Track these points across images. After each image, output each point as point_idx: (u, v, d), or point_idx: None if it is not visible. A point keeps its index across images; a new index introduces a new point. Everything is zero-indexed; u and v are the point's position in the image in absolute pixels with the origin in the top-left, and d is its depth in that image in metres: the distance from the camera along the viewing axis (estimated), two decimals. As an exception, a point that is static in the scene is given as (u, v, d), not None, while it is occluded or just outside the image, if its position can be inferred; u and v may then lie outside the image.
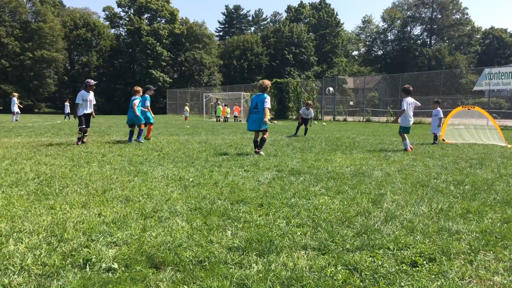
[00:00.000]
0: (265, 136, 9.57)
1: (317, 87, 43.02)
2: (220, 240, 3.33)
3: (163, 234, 3.44)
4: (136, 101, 12.00)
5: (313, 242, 3.29)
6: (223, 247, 3.18)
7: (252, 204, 4.54)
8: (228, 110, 36.11)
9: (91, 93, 11.24)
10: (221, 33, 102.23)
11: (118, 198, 4.70)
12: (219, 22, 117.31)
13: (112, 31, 77.87)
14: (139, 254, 2.98)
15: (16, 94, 28.71)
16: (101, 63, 71.38)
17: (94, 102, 11.44)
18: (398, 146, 11.76)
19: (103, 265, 2.79)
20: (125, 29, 75.64)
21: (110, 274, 2.67)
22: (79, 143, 10.93)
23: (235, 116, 36.80)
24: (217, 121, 34.06)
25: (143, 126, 12.20)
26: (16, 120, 27.03)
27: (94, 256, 2.93)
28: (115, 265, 2.78)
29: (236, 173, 6.60)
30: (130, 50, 73.52)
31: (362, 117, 39.52)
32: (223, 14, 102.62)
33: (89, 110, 11.22)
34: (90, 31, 70.70)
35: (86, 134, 11.35)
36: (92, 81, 11.43)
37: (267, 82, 9.68)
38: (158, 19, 76.60)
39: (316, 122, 33.14)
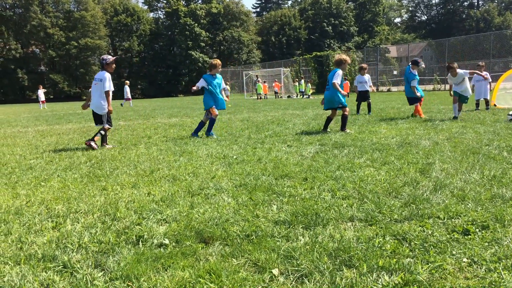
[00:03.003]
0: (345, 113, 8.70)
1: (359, 58, 41.93)
2: (266, 215, 3.37)
3: (210, 211, 3.52)
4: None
5: (360, 214, 3.26)
6: (269, 221, 3.22)
7: (296, 178, 4.54)
8: (266, 86, 35.98)
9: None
10: (258, 9, 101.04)
11: (165, 178, 4.83)
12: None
13: (151, 15, 78.92)
14: (188, 230, 3.06)
15: (128, 82, 30.11)
16: (142, 47, 72.67)
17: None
18: (446, 114, 11.34)
19: (155, 241, 2.89)
20: (163, 12, 76.39)
21: (161, 249, 2.77)
22: (106, 144, 7.79)
23: (275, 92, 36.63)
24: (258, 98, 34.04)
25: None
26: (122, 104, 29.29)
27: (146, 233, 3.05)
28: (166, 241, 2.88)
29: (279, 149, 6.60)
30: (169, 32, 74.25)
31: (407, 87, 38.19)
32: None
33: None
34: (130, 16, 71.91)
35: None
36: (110, 56, 7.81)
37: (342, 57, 8.63)
38: (195, -1, 76.82)
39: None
